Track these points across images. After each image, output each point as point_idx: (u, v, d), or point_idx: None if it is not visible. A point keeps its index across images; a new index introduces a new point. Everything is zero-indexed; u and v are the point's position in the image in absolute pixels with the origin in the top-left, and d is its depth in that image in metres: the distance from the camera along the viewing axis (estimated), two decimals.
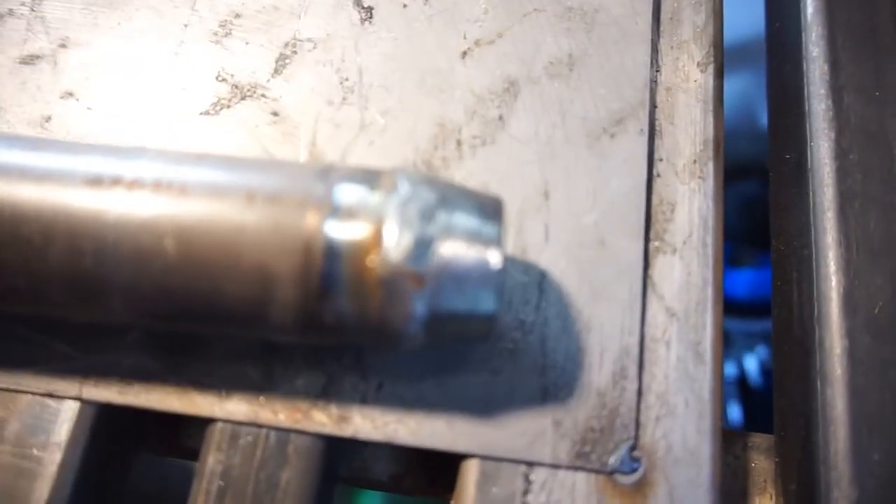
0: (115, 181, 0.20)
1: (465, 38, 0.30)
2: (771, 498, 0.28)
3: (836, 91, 0.30)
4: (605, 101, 0.29)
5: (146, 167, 0.20)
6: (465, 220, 0.20)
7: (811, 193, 0.29)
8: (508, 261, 0.26)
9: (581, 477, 0.24)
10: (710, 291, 0.27)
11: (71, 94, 0.28)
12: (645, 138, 0.28)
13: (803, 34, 0.32)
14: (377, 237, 0.19)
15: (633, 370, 0.25)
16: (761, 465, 0.28)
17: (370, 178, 0.20)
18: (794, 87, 0.32)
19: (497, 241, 0.20)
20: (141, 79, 0.29)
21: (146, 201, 0.19)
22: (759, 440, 0.29)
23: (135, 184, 0.20)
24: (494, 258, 0.20)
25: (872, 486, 0.24)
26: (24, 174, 0.20)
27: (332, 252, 0.19)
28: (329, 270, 0.19)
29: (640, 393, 0.25)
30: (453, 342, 0.22)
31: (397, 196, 0.20)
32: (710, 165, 0.29)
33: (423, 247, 0.19)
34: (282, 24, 0.30)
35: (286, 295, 0.19)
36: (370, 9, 0.30)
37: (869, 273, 0.27)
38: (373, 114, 0.28)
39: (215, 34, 0.30)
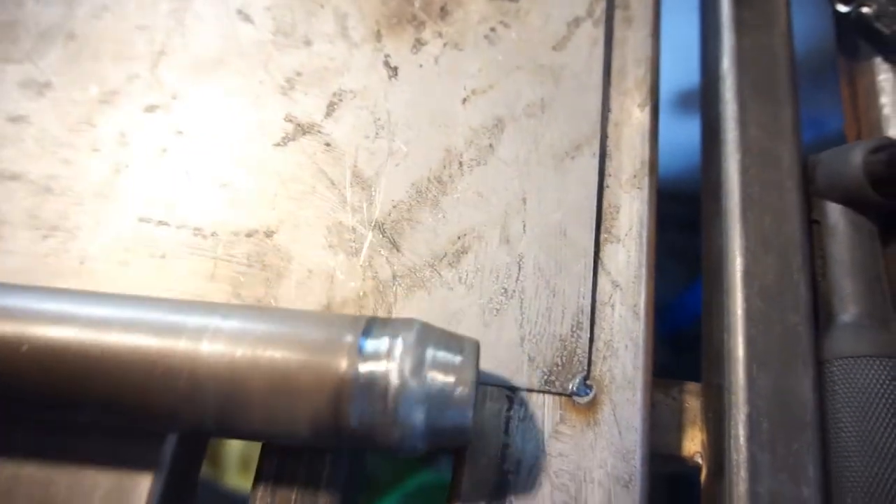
0: (200, 334, 0.26)
1: (464, 88, 0.39)
2: (699, 429, 0.35)
3: (743, 125, 0.39)
4: (568, 134, 0.38)
5: (223, 322, 0.26)
6: (448, 358, 0.26)
7: (723, 200, 0.38)
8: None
9: (549, 398, 0.32)
10: (644, 269, 0.35)
11: (181, 133, 0.38)
12: (596, 160, 0.37)
13: (720, 83, 0.41)
14: (390, 373, 0.25)
15: (586, 324, 0.33)
16: (692, 404, 0.35)
17: (388, 328, 0.27)
18: (715, 122, 0.41)
19: (471, 374, 0.26)
20: (232, 121, 0.38)
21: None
22: (691, 386, 0.36)
23: (216, 336, 0.26)
24: (467, 387, 0.26)
25: (761, 405, 0.32)
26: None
27: (360, 383, 0.25)
28: (357, 395, 0.25)
29: (591, 340, 0.33)
30: (440, 448, 0.28)
31: (404, 344, 0.26)
32: (647, 180, 0.37)
33: (419, 379, 0.26)
34: (330, 80, 0.39)
35: (327, 414, 0.25)
36: (396, 68, 0.39)
37: (763, 257, 0.36)
38: (398, 144, 0.37)
39: (282, 87, 0.39)
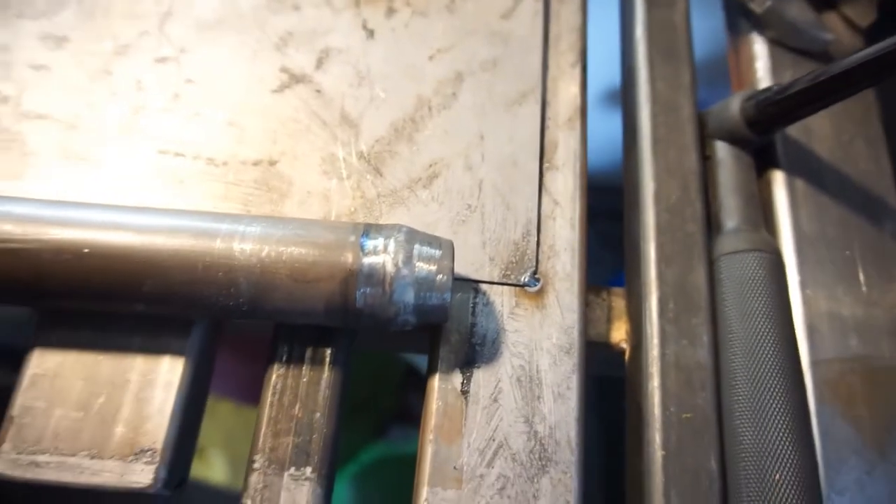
0: (231, 237, 0.28)
1: (430, 48, 0.41)
2: (624, 321, 0.39)
3: (652, 81, 0.44)
4: (515, 85, 0.41)
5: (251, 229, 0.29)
6: (431, 252, 0.30)
7: (638, 139, 0.42)
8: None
9: (506, 289, 0.35)
10: (578, 191, 0.39)
11: (191, 81, 0.39)
12: (539, 106, 0.41)
13: (634, 48, 0.45)
14: (387, 264, 0.28)
15: (534, 232, 0.37)
16: (618, 303, 0.39)
17: (381, 231, 0.30)
18: (631, 79, 0.45)
19: (449, 265, 0.30)
20: (235, 72, 0.40)
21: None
22: (617, 290, 0.40)
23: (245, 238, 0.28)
24: (446, 274, 0.29)
25: (668, 291, 0.37)
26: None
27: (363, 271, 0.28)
28: (361, 281, 0.28)
29: (538, 244, 0.37)
30: (426, 323, 0.31)
31: (395, 242, 0.29)
32: (578, 122, 0.41)
33: (409, 268, 0.29)
34: (318, 39, 0.41)
35: (338, 293, 0.28)
36: (372, 30, 0.42)
37: (668, 181, 0.40)
38: (378, 91, 0.40)
39: (277, 45, 0.41)
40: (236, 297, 0.29)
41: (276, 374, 0.32)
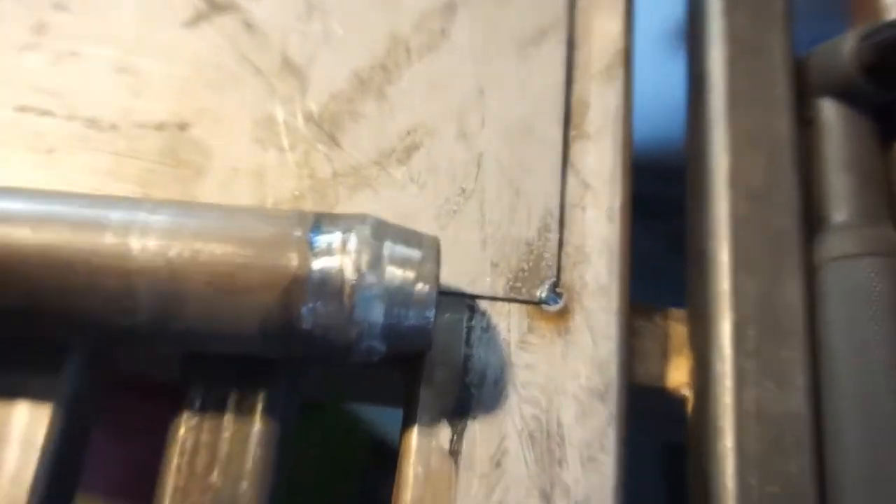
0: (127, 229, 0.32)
1: None
2: (685, 356, 0.43)
3: (730, 12, 0.48)
4: (531, 17, 0.44)
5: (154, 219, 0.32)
6: (407, 253, 0.33)
7: (707, 95, 0.46)
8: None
9: (515, 306, 0.39)
10: (618, 169, 0.43)
11: (60, 6, 0.43)
12: (564, 48, 0.44)
13: None
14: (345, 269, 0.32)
15: (554, 226, 0.40)
16: (678, 330, 0.42)
17: (338, 222, 0.33)
18: (699, 9, 0.49)
19: (433, 270, 0.33)
20: None
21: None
22: (677, 312, 0.43)
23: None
24: (428, 283, 0.33)
25: (747, 312, 0.40)
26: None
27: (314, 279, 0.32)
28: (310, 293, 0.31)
29: (560, 244, 0.40)
30: (400, 352, 0.34)
31: (358, 238, 0.32)
32: (620, 70, 0.45)
33: (377, 274, 0.32)
34: None
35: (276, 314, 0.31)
36: None
37: (750, 156, 0.44)
38: (334, 26, 0.43)
39: None
40: (133, 312, 0.32)
41: (185, 427, 0.36)
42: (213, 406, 0.36)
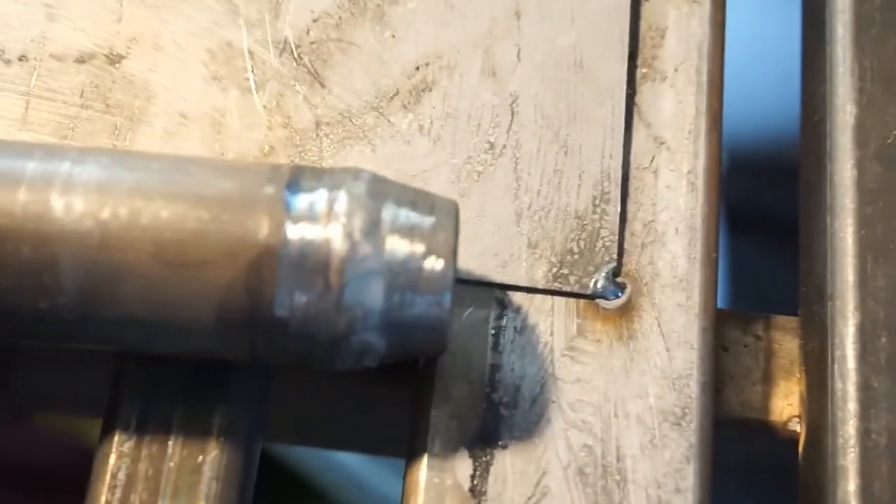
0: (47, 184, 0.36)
1: None
2: (797, 380, 0.47)
3: None
4: None
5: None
6: (415, 219, 0.37)
7: (829, 23, 0.51)
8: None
9: (560, 301, 0.43)
10: (704, 121, 0.47)
11: None
12: None
13: None
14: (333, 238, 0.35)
15: (615, 194, 0.45)
16: (786, 345, 0.46)
17: (323, 178, 0.37)
18: None
19: (449, 242, 0.37)
20: None
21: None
22: (784, 321, 0.47)
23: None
24: (443, 259, 0.36)
25: (878, 312, 0.45)
26: None
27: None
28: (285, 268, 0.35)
29: (623, 219, 0.45)
30: (404, 353, 0.38)
31: (349, 197, 0.36)
32: None
33: (374, 245, 0.36)
34: None
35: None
36: None
37: (883, 102, 0.48)
38: None
39: None
40: (53, 293, 0.36)
41: (116, 454, 0.40)
42: (155, 426, 0.40)
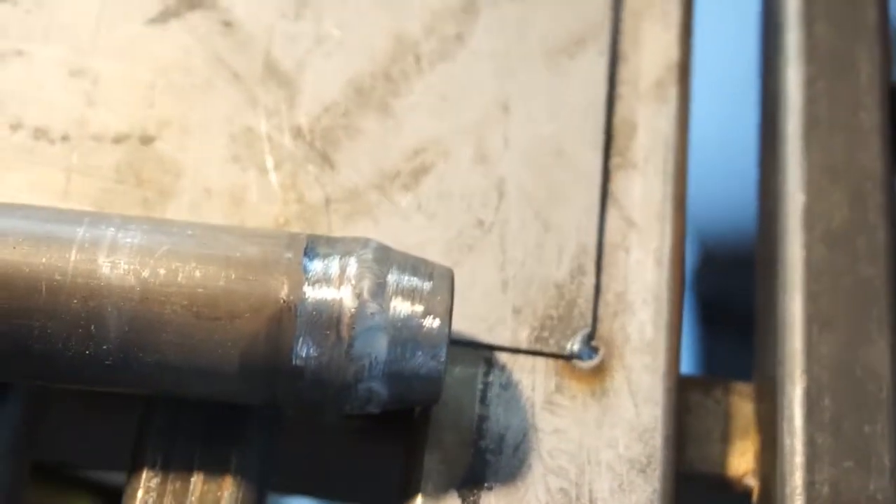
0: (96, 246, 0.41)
1: None
2: (751, 439, 0.51)
3: (809, 22, 0.58)
4: (566, 22, 0.55)
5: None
6: (416, 283, 0.42)
7: (781, 120, 0.57)
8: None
9: (540, 360, 0.48)
10: (670, 205, 0.53)
11: None
12: (606, 60, 0.55)
13: None
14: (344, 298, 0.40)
15: (590, 268, 0.50)
16: (742, 408, 0.51)
17: (336, 245, 0.42)
18: (775, 19, 0.60)
19: (445, 304, 0.41)
20: None
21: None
22: (741, 386, 0.52)
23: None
24: (440, 319, 0.41)
25: (823, 377, 0.50)
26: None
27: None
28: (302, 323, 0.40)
29: (597, 289, 0.50)
30: (404, 401, 0.42)
31: (359, 263, 0.41)
32: (675, 89, 0.56)
33: (380, 305, 0.41)
34: None
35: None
36: None
37: (830, 192, 0.54)
38: (329, 27, 0.54)
39: None
40: (99, 340, 0.41)
41: (144, 489, 0.44)
42: (178, 465, 0.45)
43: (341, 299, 0.40)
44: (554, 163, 0.52)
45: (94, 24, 0.53)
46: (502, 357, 0.48)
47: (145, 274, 0.40)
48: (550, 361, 0.48)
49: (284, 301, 0.40)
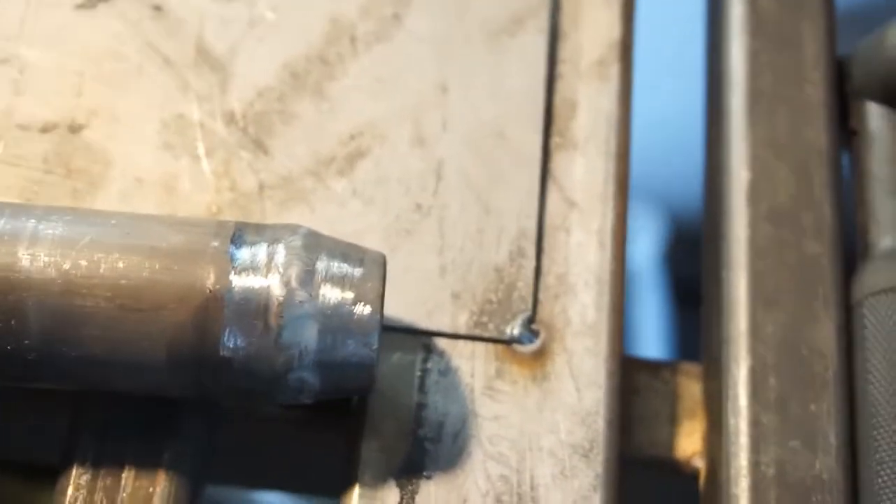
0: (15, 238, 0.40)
1: None
2: (699, 420, 0.51)
3: None
4: (505, 1, 0.55)
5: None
6: (346, 269, 0.42)
7: (726, 95, 0.56)
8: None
9: (480, 346, 0.48)
10: (611, 185, 0.52)
11: None
12: (545, 38, 0.54)
13: None
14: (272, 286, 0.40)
15: (530, 250, 0.50)
16: (690, 389, 0.51)
17: (264, 233, 0.42)
18: None
19: (376, 290, 0.41)
20: None
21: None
22: (689, 367, 0.52)
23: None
24: (371, 306, 0.41)
25: (768, 356, 0.50)
26: None
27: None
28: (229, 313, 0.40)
29: (538, 272, 0.49)
30: (335, 391, 0.42)
31: (287, 250, 0.41)
32: (616, 67, 0.55)
33: (309, 292, 0.40)
34: None
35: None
36: None
37: (775, 168, 0.54)
38: (262, 10, 0.53)
39: None
40: (19, 336, 0.41)
41: (73, 486, 0.44)
42: (110, 461, 0.44)
43: (269, 287, 0.40)
44: (494, 144, 0.51)
45: (21, 10, 0.52)
46: (441, 343, 0.48)
47: (66, 266, 0.40)
48: (490, 346, 0.48)
49: (211, 290, 0.40)
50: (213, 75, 0.51)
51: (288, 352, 0.40)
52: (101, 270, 0.40)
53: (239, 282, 0.40)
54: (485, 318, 0.48)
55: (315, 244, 0.42)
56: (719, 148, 0.54)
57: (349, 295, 0.41)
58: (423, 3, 0.54)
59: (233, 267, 0.40)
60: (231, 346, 0.40)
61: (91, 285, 0.40)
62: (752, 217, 0.52)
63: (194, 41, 0.52)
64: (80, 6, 0.53)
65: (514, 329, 0.48)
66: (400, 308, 0.48)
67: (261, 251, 0.41)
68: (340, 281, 0.41)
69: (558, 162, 0.52)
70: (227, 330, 0.40)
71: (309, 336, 0.40)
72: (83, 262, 0.40)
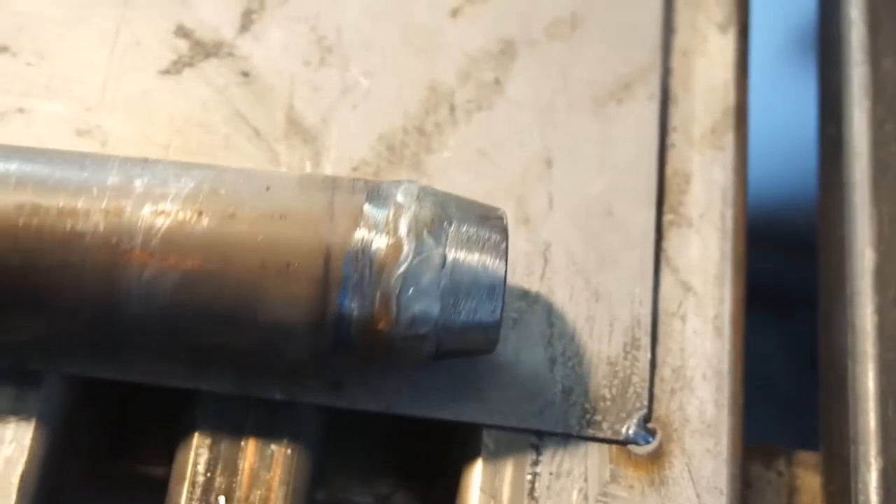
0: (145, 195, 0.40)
1: None
2: None
3: (874, 55, 0.55)
4: (612, 66, 0.52)
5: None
6: (471, 230, 0.41)
7: (846, 168, 0.53)
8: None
9: (594, 446, 0.45)
10: (728, 266, 0.50)
11: (6, 49, 0.51)
12: (656, 104, 0.52)
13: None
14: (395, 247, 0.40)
15: (645, 341, 0.47)
16: (808, 481, 0.49)
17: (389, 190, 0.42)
18: (835, 53, 0.56)
19: (503, 254, 0.41)
20: (87, 34, 0.51)
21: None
22: (806, 456, 0.49)
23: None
24: (500, 270, 0.41)
25: None
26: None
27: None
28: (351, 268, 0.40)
29: (653, 365, 0.47)
30: (459, 350, 0.43)
31: (408, 211, 0.41)
32: (731, 136, 0.52)
33: (436, 247, 0.40)
34: None
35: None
36: None
37: None
38: (355, 75, 0.51)
39: None
40: (158, 289, 0.40)
41: (194, 453, 0.43)
42: (230, 427, 0.44)
43: (396, 245, 0.40)
44: (603, 223, 0.49)
45: (102, 76, 0.49)
46: (552, 442, 0.45)
47: (203, 221, 0.41)
48: (605, 447, 0.45)
49: (340, 246, 0.40)
50: (304, 147, 0.49)
51: (410, 311, 0.40)
52: (237, 227, 0.41)
53: (368, 238, 0.41)
54: (598, 417, 0.45)
55: (444, 202, 0.42)
56: (839, 224, 0.51)
57: (475, 255, 0.41)
58: (525, 67, 0.52)
59: (364, 224, 0.41)
60: (354, 304, 0.40)
61: (230, 243, 0.41)
62: (879, 304, 0.49)
63: (284, 110, 0.50)
64: (164, 72, 0.50)
65: (630, 428, 0.45)
66: (508, 406, 0.45)
67: (391, 210, 0.41)
68: (467, 241, 0.41)
69: (671, 241, 0.49)
70: (351, 288, 0.40)
71: (432, 295, 0.40)
72: (217, 217, 0.41)
